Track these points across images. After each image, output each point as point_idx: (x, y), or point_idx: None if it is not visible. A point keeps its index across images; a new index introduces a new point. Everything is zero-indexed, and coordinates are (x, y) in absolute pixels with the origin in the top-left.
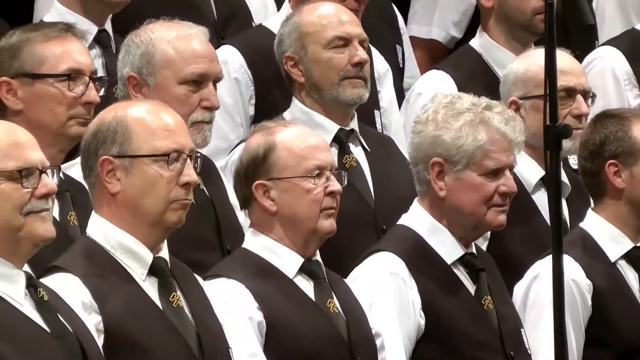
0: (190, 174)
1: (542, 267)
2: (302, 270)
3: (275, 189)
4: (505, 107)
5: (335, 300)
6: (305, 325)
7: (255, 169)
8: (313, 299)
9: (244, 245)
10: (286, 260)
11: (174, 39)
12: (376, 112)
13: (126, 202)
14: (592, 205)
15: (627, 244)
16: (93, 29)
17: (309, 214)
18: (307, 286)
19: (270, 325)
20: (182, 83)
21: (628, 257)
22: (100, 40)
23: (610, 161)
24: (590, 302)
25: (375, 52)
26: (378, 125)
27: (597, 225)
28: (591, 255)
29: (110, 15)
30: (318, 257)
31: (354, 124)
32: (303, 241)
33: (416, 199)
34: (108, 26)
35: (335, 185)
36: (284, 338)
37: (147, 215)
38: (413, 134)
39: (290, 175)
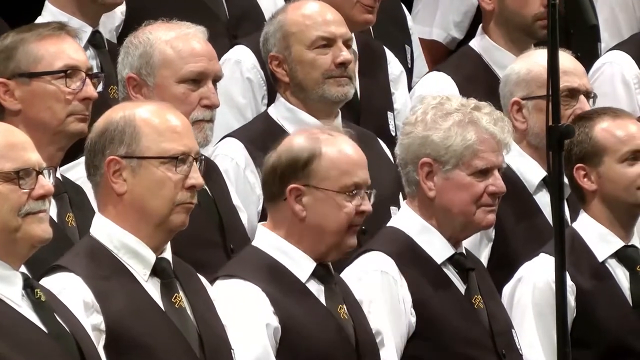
0: (196, 177)
1: (527, 270)
2: (314, 274)
3: (309, 196)
4: (494, 108)
5: (345, 306)
6: (317, 331)
7: (294, 171)
8: (324, 303)
9: (254, 243)
10: (299, 263)
11: (172, 39)
12: (390, 114)
13: (132, 203)
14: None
15: (617, 243)
16: (87, 30)
17: (337, 229)
18: (318, 290)
19: (285, 330)
20: (181, 82)
21: (618, 255)
22: (94, 41)
23: (577, 165)
24: (573, 304)
25: (389, 55)
26: (391, 127)
27: (587, 225)
28: (577, 256)
29: (123, 18)
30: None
31: (338, 122)
32: (325, 250)
33: (405, 201)
34: (102, 27)
35: (367, 206)
36: (296, 344)
37: (152, 217)
38: (402, 135)
39: (327, 187)
